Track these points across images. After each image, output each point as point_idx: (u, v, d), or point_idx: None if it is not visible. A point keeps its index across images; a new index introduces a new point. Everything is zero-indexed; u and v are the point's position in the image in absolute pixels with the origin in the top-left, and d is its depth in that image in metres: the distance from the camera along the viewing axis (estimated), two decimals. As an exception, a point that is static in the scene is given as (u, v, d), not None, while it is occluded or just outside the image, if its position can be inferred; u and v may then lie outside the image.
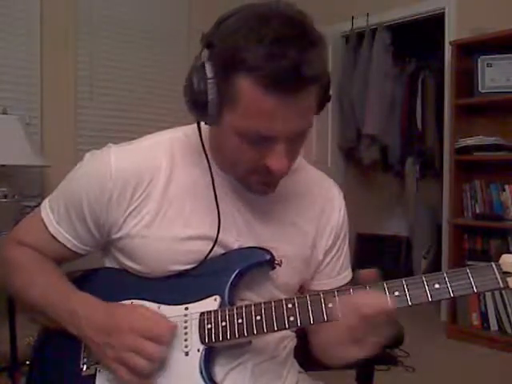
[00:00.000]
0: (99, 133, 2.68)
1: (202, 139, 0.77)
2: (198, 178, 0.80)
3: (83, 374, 0.78)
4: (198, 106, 0.69)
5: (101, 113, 2.75)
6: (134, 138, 0.85)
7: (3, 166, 2.07)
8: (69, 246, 0.83)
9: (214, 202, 0.78)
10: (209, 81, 0.66)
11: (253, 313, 0.73)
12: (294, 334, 0.93)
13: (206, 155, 0.78)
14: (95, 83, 2.72)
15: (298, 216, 0.86)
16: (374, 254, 3.75)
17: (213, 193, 0.78)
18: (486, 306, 2.82)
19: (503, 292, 2.76)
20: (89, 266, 0.88)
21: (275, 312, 0.72)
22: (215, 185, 0.79)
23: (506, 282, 0.68)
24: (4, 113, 2.14)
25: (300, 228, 0.86)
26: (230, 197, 0.81)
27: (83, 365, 0.79)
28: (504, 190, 2.89)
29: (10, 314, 1.99)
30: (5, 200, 2.08)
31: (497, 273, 0.68)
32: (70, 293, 0.79)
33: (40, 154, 2.32)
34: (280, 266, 0.80)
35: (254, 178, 0.74)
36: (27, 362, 0.89)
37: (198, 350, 0.75)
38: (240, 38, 0.63)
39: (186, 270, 0.78)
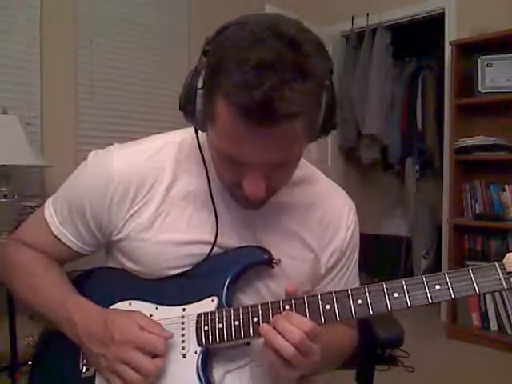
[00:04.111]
0: (99, 133, 2.68)
1: (199, 143, 0.77)
2: (202, 183, 0.79)
3: (83, 375, 0.78)
4: (188, 111, 0.69)
5: (101, 113, 2.74)
6: (134, 138, 0.85)
7: (3, 166, 2.06)
8: (72, 246, 0.83)
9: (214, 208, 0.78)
10: (198, 90, 0.66)
11: (250, 314, 0.72)
12: None
13: (204, 160, 0.78)
14: (95, 83, 2.71)
15: (302, 228, 0.84)
16: (374, 254, 3.75)
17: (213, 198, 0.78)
18: (486, 305, 2.82)
19: (503, 292, 2.75)
20: (90, 266, 0.88)
21: (272, 314, 0.71)
22: (217, 191, 0.78)
23: (510, 283, 0.65)
24: (4, 113, 2.14)
25: (303, 241, 0.84)
26: (233, 203, 0.79)
27: (83, 366, 0.79)
28: (504, 190, 2.89)
29: (10, 314, 1.98)
30: (5, 200, 2.07)
31: (500, 273, 0.66)
32: (69, 299, 0.78)
33: (40, 154, 2.32)
34: (278, 265, 0.79)
35: (238, 191, 0.72)
36: (29, 363, 0.89)
37: (196, 352, 0.74)
38: (225, 56, 0.61)
39: (185, 271, 0.78)
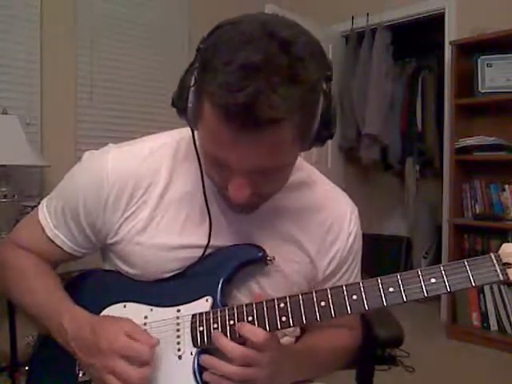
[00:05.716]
0: (99, 133, 2.68)
1: (195, 142, 0.74)
2: (199, 183, 0.77)
3: (79, 379, 0.78)
4: (179, 108, 0.67)
5: (101, 113, 2.74)
6: (134, 138, 0.84)
7: (3, 166, 2.07)
8: (66, 249, 0.82)
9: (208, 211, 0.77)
10: (191, 88, 0.63)
11: (244, 314, 0.71)
12: (293, 334, 0.91)
13: (199, 160, 0.75)
14: (95, 83, 2.71)
15: (299, 232, 0.82)
16: (374, 254, 3.75)
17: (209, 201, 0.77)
18: (486, 305, 2.82)
19: (503, 291, 2.75)
20: (87, 267, 0.88)
21: (267, 312, 0.70)
22: (212, 192, 0.77)
23: (507, 274, 0.64)
24: (4, 113, 2.14)
25: (300, 245, 0.82)
26: (227, 206, 0.77)
27: (79, 371, 0.78)
28: (504, 190, 2.89)
29: (10, 314, 1.99)
30: (5, 200, 2.08)
31: (496, 264, 0.65)
32: (61, 306, 0.77)
33: (40, 154, 2.32)
34: (272, 262, 0.78)
35: (226, 193, 0.69)
36: (26, 368, 0.88)
37: (191, 354, 0.73)
38: (214, 55, 0.59)
39: (179, 272, 0.78)
